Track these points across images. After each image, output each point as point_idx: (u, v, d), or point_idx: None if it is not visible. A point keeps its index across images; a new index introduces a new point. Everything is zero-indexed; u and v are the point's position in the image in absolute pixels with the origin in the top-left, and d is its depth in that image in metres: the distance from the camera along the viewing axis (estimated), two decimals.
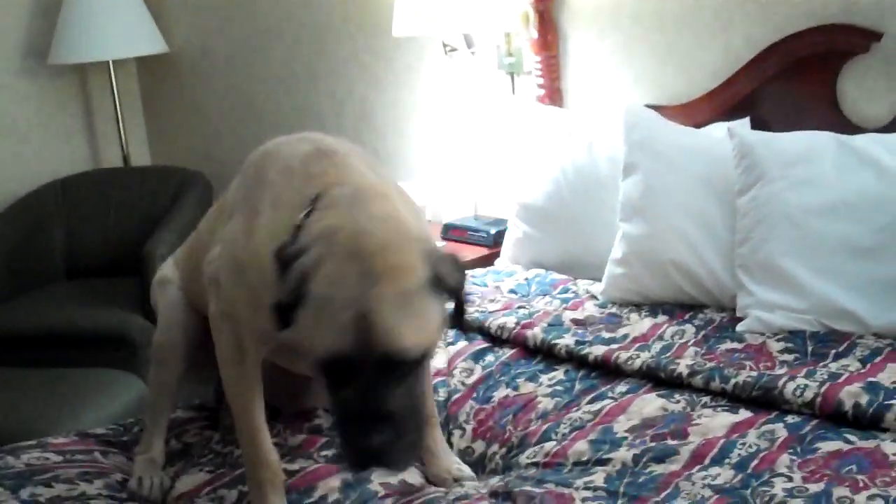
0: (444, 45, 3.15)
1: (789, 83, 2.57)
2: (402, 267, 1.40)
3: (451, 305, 1.52)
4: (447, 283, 1.45)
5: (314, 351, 1.41)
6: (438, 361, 2.24)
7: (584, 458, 1.81)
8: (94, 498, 1.86)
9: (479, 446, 2.03)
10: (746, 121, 2.57)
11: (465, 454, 2.01)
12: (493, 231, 3.06)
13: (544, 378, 2.16)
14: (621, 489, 1.69)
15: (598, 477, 1.74)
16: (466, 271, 1.55)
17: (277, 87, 3.98)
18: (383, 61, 3.53)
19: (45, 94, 4.31)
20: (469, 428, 2.07)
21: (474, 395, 2.15)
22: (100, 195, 4.12)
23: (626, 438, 1.85)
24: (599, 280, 2.53)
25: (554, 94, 3.03)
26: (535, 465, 1.86)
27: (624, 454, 1.79)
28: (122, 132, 4.34)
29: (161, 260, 3.62)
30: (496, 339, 2.35)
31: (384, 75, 3.55)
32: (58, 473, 1.93)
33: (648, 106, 2.71)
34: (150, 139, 4.66)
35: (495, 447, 2.00)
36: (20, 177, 4.21)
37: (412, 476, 1.83)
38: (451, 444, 2.02)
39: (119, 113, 4.31)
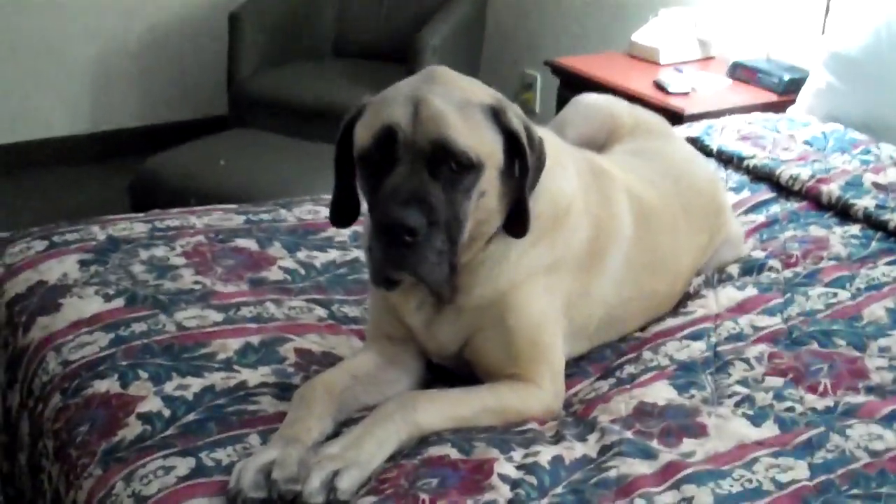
0: None
1: None
2: (463, 86, 1.42)
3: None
4: (507, 121, 1.40)
5: (359, 143, 1.39)
6: None
7: (882, 323, 1.69)
8: None
9: (757, 255, 1.94)
10: None
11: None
12: (786, 77, 2.84)
13: (838, 230, 2.03)
14: None
15: (895, 346, 1.63)
16: (540, 152, 1.45)
17: None
18: None
19: None
20: (749, 243, 2.00)
21: (756, 235, 2.06)
22: None
23: None
24: None
25: None
26: (827, 307, 1.75)
27: None
28: None
29: (432, 53, 3.65)
30: (783, 190, 2.22)
31: None
32: (330, 235, 1.98)
33: None
34: None
35: (776, 262, 1.90)
36: None
37: None
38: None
39: None
